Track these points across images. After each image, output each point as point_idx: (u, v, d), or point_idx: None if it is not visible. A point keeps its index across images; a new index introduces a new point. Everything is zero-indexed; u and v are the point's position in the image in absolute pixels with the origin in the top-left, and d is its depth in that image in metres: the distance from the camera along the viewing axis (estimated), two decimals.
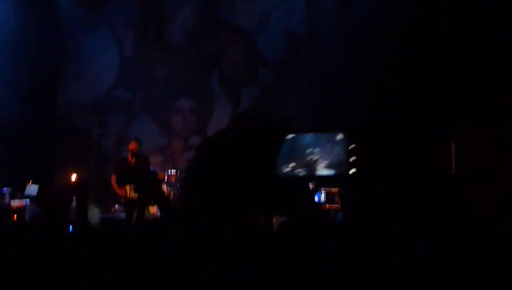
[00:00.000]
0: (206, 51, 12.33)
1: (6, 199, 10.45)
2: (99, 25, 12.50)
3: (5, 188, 10.59)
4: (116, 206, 10.63)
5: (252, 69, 12.19)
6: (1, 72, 11.01)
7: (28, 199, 10.00)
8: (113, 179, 10.13)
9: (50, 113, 12.42)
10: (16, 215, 9.54)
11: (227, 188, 1.21)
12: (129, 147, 10.10)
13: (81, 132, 12.44)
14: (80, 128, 12.48)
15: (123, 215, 10.03)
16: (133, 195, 9.76)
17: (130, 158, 10.13)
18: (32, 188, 6.78)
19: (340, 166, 8.03)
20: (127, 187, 9.88)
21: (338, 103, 10.97)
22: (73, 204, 10.02)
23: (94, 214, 8.37)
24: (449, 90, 9.89)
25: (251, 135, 1.22)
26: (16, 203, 10.08)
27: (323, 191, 8.92)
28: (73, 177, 9.81)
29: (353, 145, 8.34)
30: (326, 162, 7.82)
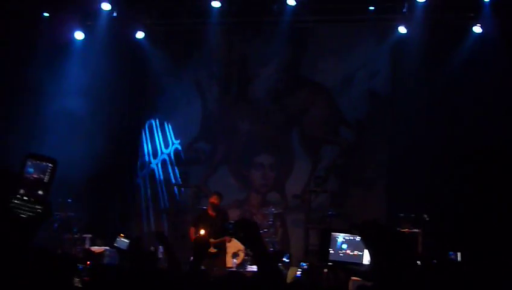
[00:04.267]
0: (288, 108, 12.34)
1: (87, 245, 10.71)
2: (184, 77, 12.76)
3: (86, 235, 10.93)
4: (192, 258, 10.55)
5: (333, 128, 12.09)
6: (94, 121, 11.38)
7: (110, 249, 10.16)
8: (192, 231, 10.08)
9: (133, 163, 12.62)
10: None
11: None
12: (210, 200, 10.10)
13: (162, 182, 12.58)
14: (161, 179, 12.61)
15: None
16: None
17: (210, 211, 10.11)
18: (123, 242, 7.00)
19: None
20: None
21: (418, 165, 10.76)
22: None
23: None
24: None
25: None
26: (95, 249, 10.30)
27: None
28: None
29: None
30: None
